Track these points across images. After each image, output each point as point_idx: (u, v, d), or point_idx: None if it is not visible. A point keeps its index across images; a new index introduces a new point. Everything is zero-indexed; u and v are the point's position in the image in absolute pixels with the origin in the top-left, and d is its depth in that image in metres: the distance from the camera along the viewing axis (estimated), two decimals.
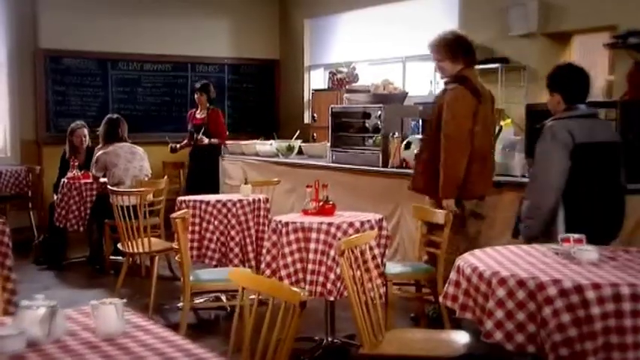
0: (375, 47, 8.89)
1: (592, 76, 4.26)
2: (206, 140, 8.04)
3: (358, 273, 3.41)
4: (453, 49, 4.90)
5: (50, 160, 8.48)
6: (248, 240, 5.65)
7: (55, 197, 7.18)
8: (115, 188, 6.22)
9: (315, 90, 9.37)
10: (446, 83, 5.00)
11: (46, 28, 9.11)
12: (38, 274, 6.89)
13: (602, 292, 2.79)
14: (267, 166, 7.54)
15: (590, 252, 3.18)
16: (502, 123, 5.50)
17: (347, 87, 7.29)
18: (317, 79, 9.90)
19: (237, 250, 5.56)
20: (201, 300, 5.42)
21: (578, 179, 3.90)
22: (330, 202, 4.86)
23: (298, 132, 7.85)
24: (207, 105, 8.21)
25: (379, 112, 6.30)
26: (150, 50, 9.63)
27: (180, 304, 5.01)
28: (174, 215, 4.50)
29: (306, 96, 9.88)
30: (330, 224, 4.53)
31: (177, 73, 9.95)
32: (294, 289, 2.37)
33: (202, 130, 8.05)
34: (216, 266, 5.51)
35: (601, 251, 3.28)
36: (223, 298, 5.45)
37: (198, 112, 8.30)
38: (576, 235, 3.31)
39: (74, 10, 9.15)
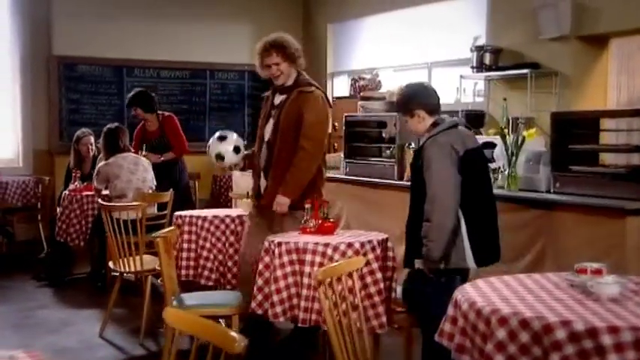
0: (399, 53, 8.45)
1: (632, 83, 3.84)
2: (155, 158, 6.99)
3: (343, 305, 2.98)
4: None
5: (63, 170, 8.14)
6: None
7: (58, 210, 6.87)
8: (109, 203, 5.86)
9: (336, 98, 8.93)
10: (292, 88, 4.70)
11: (60, 35, 8.85)
12: (37, 292, 6.59)
13: (620, 337, 2.31)
14: None
15: (610, 285, 2.69)
16: (525, 133, 5.01)
17: (361, 94, 6.83)
18: (340, 87, 9.47)
19: (235, 269, 5.14)
20: None
21: (469, 191, 3.79)
22: (331, 220, 4.45)
23: None
24: (157, 114, 7.28)
25: (395, 121, 5.85)
26: (167, 57, 9.30)
27: None
28: (156, 234, 4.10)
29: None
30: (326, 245, 4.10)
31: (195, 80, 9.59)
32: (234, 334, 1.93)
33: (155, 146, 7.13)
34: (214, 287, 5.11)
35: (625, 283, 2.79)
36: (222, 323, 5.04)
37: (148, 124, 7.30)
38: (595, 265, 2.82)
39: (89, 16, 8.88)
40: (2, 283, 6.87)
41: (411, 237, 3.93)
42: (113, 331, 5.32)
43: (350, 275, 3.26)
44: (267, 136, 4.79)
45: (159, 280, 4.62)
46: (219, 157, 4.96)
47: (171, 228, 4.31)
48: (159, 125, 7.29)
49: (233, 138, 4.99)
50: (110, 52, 9.03)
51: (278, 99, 4.80)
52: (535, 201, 4.74)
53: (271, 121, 4.77)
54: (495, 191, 5.01)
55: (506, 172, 4.96)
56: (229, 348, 1.91)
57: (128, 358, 4.86)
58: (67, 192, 6.83)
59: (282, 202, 4.63)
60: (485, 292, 2.79)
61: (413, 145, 5.70)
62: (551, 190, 4.78)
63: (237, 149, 4.96)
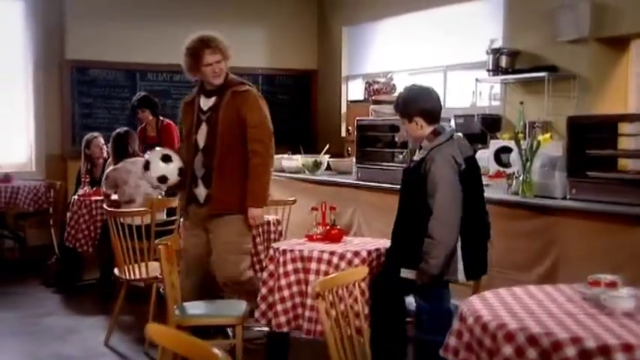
0: (415, 56, 8.31)
1: None
2: None
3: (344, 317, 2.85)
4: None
5: (75, 175, 8.08)
6: (257, 266, 5.11)
7: (67, 215, 6.79)
8: (117, 208, 5.76)
9: (350, 101, 8.80)
10: (222, 89, 4.53)
11: (73, 39, 8.79)
12: (46, 298, 6.51)
13: (634, 355, 2.18)
14: (291, 183, 7.01)
15: (624, 299, 2.54)
16: (540, 138, 4.85)
17: (373, 98, 6.70)
18: (355, 90, 9.33)
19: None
20: None
21: (467, 203, 3.73)
22: (338, 227, 4.33)
23: (327, 146, 7.30)
24: (157, 119, 7.36)
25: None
26: (180, 60, 9.14)
27: None
28: (158, 241, 4.00)
29: (344, 108, 9.33)
30: (332, 253, 3.99)
31: None
32: (216, 352, 1.81)
33: None
34: (219, 296, 4.99)
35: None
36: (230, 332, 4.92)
37: (149, 128, 7.40)
38: (609, 277, 2.67)
39: (102, 20, 8.81)
40: (12, 289, 6.80)
41: (399, 244, 3.85)
42: (118, 339, 5.22)
43: (352, 285, 3.13)
44: (201, 143, 4.56)
45: (161, 290, 4.50)
46: (163, 179, 4.60)
47: (173, 235, 4.19)
48: (157, 131, 7.34)
49: (177, 158, 4.63)
50: (123, 56, 8.96)
51: (207, 102, 4.57)
52: (550, 208, 4.58)
53: (204, 126, 4.54)
54: (509, 197, 4.90)
55: (521, 178, 4.80)
56: None
57: None
58: (75, 197, 6.74)
59: (256, 215, 4.49)
60: (493, 305, 2.65)
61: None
62: (567, 197, 4.62)
63: (180, 171, 4.60)
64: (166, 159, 4.58)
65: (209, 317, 4.06)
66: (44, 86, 8.85)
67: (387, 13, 8.61)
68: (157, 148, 4.99)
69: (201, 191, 4.57)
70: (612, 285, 2.63)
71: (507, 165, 5.34)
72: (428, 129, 3.83)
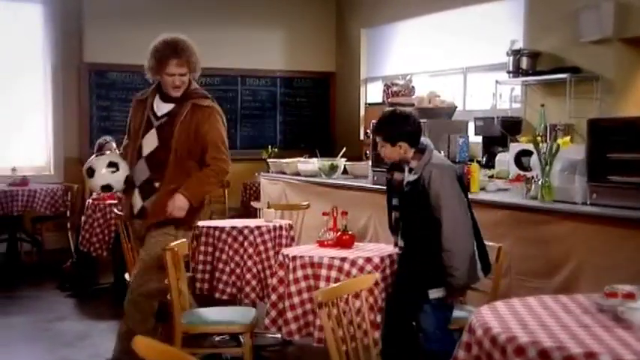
0: (434, 57, 8.19)
1: None
2: None
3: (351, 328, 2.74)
4: None
5: None
6: (268, 272, 5.01)
7: (82, 219, 6.74)
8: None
9: (369, 104, 8.69)
10: (182, 97, 4.15)
11: (91, 42, 8.79)
12: (59, 302, 6.45)
13: None
14: (307, 187, 6.90)
15: None
16: (559, 141, 4.69)
17: (388, 100, 6.57)
18: (374, 93, 9.22)
19: (254, 282, 4.95)
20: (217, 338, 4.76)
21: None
22: (349, 232, 4.21)
23: (344, 149, 7.18)
24: None
25: (424, 128, 5.57)
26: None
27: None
28: (165, 246, 3.90)
29: (362, 111, 9.23)
30: (343, 259, 3.88)
31: (226, 87, 9.43)
32: None
33: None
34: (231, 301, 4.91)
35: None
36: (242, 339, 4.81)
37: None
38: (627, 288, 2.53)
39: (120, 23, 8.80)
40: (27, 293, 6.77)
41: (418, 269, 3.81)
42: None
43: (357, 295, 3.02)
44: (146, 150, 4.14)
45: (167, 296, 4.41)
46: (107, 188, 4.23)
47: (183, 240, 4.09)
48: None
49: (124, 165, 4.17)
50: (141, 58, 8.79)
51: (162, 107, 4.17)
52: (570, 213, 4.41)
53: (153, 133, 4.13)
54: (528, 202, 4.75)
55: (540, 182, 4.65)
56: None
57: None
58: (89, 200, 6.69)
59: (181, 205, 4.04)
60: (503, 316, 2.52)
61: (443, 153, 5.41)
62: (588, 202, 4.46)
63: (126, 179, 4.18)
64: (112, 166, 4.14)
65: (216, 325, 3.97)
66: (62, 89, 8.86)
67: (405, 14, 8.51)
68: (105, 153, 4.69)
69: (136, 201, 4.19)
70: (630, 296, 2.49)
71: (528, 169, 5.19)
72: (411, 152, 3.84)
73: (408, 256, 3.90)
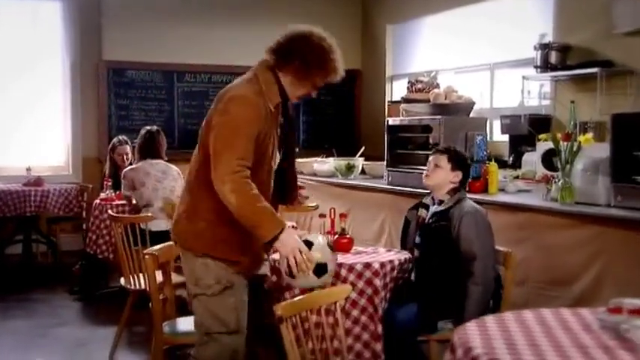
0: (460, 53, 7.83)
1: None
2: None
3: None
4: None
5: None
6: None
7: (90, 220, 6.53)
8: (124, 214, 5.46)
9: (391, 102, 8.35)
10: None
11: (109, 40, 8.60)
12: (65, 306, 6.25)
13: None
14: (323, 187, 6.61)
15: None
16: (581, 138, 4.32)
17: (404, 96, 6.23)
18: (400, 90, 8.86)
19: None
20: None
21: None
22: (347, 235, 3.90)
23: (363, 149, 6.87)
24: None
25: (441, 125, 5.25)
26: (219, 61, 8.90)
27: (190, 351, 4.16)
28: (146, 251, 3.65)
29: (387, 109, 8.88)
30: (340, 265, 3.56)
31: None
32: None
33: None
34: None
35: None
36: None
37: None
38: (634, 302, 2.18)
39: (139, 21, 8.62)
40: (36, 296, 6.57)
41: (433, 299, 3.71)
42: (125, 352, 4.90)
43: (329, 310, 2.72)
44: (274, 165, 3.34)
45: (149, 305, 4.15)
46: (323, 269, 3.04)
47: (169, 243, 3.82)
48: None
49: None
50: (160, 57, 8.72)
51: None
52: (592, 216, 4.05)
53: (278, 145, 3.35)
54: (547, 204, 4.38)
55: (560, 183, 4.28)
56: None
57: None
58: (97, 200, 6.48)
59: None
60: (490, 334, 2.19)
61: None
62: (612, 204, 4.09)
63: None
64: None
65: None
66: (81, 87, 8.69)
67: (431, 9, 8.17)
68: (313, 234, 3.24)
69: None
70: (637, 312, 2.14)
71: (557, 169, 4.81)
72: (453, 185, 3.90)
73: (419, 286, 3.81)
